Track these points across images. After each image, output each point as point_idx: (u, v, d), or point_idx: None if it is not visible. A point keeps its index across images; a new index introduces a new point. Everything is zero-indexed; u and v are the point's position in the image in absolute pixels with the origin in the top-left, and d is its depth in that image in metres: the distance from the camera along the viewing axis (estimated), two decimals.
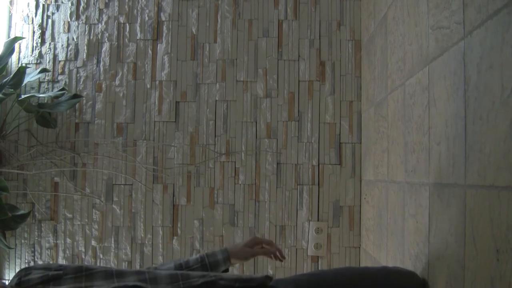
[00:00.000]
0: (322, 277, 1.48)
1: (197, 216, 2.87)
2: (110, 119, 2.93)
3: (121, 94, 2.93)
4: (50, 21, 3.01)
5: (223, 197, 2.86)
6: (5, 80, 2.62)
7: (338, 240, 2.82)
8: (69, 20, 2.99)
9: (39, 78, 2.92)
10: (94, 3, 2.99)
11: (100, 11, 2.98)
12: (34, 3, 3.01)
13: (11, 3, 3.01)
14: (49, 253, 2.90)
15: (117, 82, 2.94)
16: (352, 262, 2.81)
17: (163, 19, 2.96)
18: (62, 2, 3.00)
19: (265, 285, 1.38)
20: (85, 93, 2.95)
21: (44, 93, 2.90)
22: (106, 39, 2.97)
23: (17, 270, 2.63)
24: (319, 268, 2.81)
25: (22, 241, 2.91)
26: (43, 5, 3.01)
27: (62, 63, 2.97)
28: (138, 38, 2.96)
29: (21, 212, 2.68)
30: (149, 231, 2.88)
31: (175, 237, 2.87)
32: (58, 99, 2.81)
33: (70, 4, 2.99)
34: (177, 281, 1.28)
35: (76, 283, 1.20)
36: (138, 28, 2.96)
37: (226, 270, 1.68)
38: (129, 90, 2.94)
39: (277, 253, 1.72)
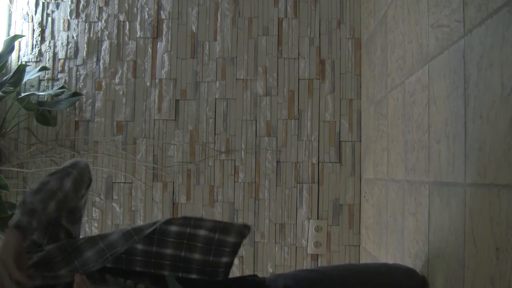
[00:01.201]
0: (322, 273, 1.49)
1: (197, 214, 2.86)
2: (110, 117, 2.93)
3: (121, 92, 2.93)
4: (50, 19, 3.00)
5: (223, 195, 2.86)
6: (5, 78, 2.61)
7: (338, 239, 2.82)
8: (69, 18, 2.99)
9: (39, 76, 2.91)
10: (94, 1, 2.99)
11: (100, 9, 2.98)
12: (34, 1, 3.00)
13: (11, 1, 3.01)
14: None
15: (117, 80, 2.94)
16: (352, 260, 2.81)
17: (163, 17, 2.96)
18: (62, 0, 3.00)
19: (243, 233, 1.39)
20: (85, 91, 2.94)
21: (44, 91, 2.90)
22: (106, 37, 2.97)
23: None
24: (319, 266, 2.82)
25: None
26: (43, 3, 3.01)
27: (62, 61, 2.97)
28: (138, 36, 2.96)
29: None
30: None
31: None
32: (58, 97, 2.81)
33: (70, 2, 2.99)
34: (131, 237, 1.27)
35: (67, 264, 1.21)
36: (138, 26, 2.96)
37: None
38: (129, 88, 2.93)
39: None
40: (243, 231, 1.40)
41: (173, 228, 1.33)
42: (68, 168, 1.31)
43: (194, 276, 1.38)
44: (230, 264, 1.42)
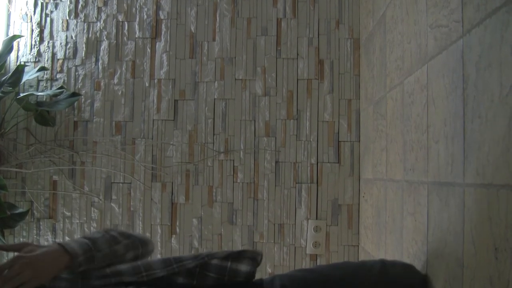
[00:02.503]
0: (318, 272, 1.48)
1: (196, 215, 2.87)
2: (108, 117, 2.93)
3: (119, 93, 2.93)
4: (48, 19, 3.00)
5: (221, 196, 2.86)
6: (3, 78, 2.61)
7: (337, 239, 2.82)
8: (67, 18, 2.99)
9: (37, 76, 2.91)
10: (92, 2, 2.98)
11: (99, 10, 2.98)
12: (33, 1, 3.00)
13: (9, 1, 3.01)
14: None
15: (115, 81, 2.94)
16: (351, 260, 2.81)
17: (162, 17, 2.96)
18: (60, 1, 3.00)
19: (255, 259, 1.40)
20: (83, 91, 2.94)
21: (42, 91, 2.90)
22: (104, 38, 2.96)
23: None
24: None
25: (21, 239, 2.91)
26: (42, 3, 3.00)
27: (60, 61, 2.97)
28: (136, 36, 2.95)
29: (20, 210, 2.68)
30: (147, 229, 2.87)
31: (174, 236, 2.86)
32: (56, 98, 2.81)
33: (68, 2, 2.99)
34: (170, 265, 1.30)
35: (73, 277, 1.23)
36: (137, 26, 2.96)
37: None
38: (127, 89, 2.93)
39: None
40: (255, 256, 1.40)
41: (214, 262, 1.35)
42: (139, 242, 1.39)
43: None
44: (250, 275, 1.41)
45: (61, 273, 1.20)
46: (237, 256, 1.38)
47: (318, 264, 2.83)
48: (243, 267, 1.38)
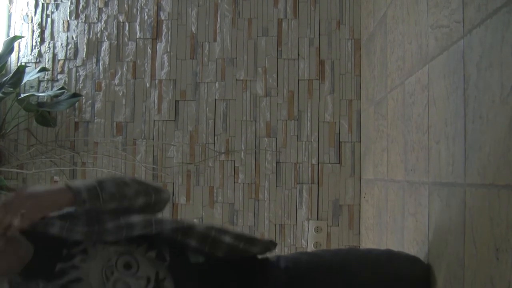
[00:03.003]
0: (322, 257, 1.48)
1: (197, 215, 2.87)
2: (109, 118, 2.93)
3: (120, 93, 2.93)
4: (49, 20, 3.00)
5: (222, 196, 2.86)
6: (4, 79, 2.61)
7: (338, 239, 2.82)
8: (68, 19, 2.99)
9: (38, 77, 2.91)
10: (93, 2, 2.99)
11: (100, 10, 2.98)
12: (34, 2, 3.00)
13: (10, 2, 3.01)
14: None
15: (116, 81, 2.94)
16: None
17: (163, 18, 2.96)
18: (61, 1, 3.00)
19: (269, 250, 1.40)
20: (84, 92, 2.94)
21: (43, 92, 2.90)
22: (105, 38, 2.97)
23: None
24: None
25: None
26: (43, 4, 3.01)
27: (61, 62, 2.97)
28: (137, 37, 2.96)
29: None
30: None
31: None
32: (57, 98, 2.81)
33: (69, 3, 2.99)
34: (181, 224, 1.30)
35: (89, 226, 1.22)
36: (137, 27, 2.96)
37: None
38: (128, 89, 2.93)
39: None
40: (269, 246, 1.41)
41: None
42: (152, 190, 1.36)
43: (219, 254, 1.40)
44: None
45: (63, 208, 1.21)
46: (250, 240, 1.39)
47: None
48: (255, 249, 1.39)
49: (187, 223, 1.31)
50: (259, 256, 1.45)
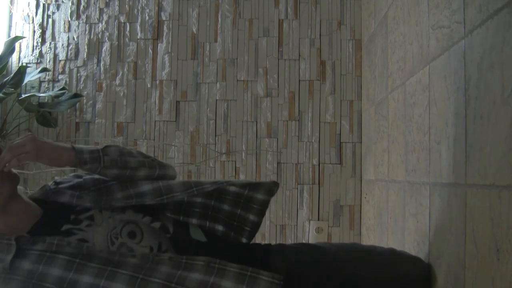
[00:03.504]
0: (325, 250, 1.48)
1: None
2: (110, 118, 2.93)
3: (121, 94, 2.93)
4: (50, 20, 3.01)
5: None
6: (5, 79, 2.62)
7: (339, 239, 2.82)
8: (69, 19, 2.99)
9: (39, 77, 2.92)
10: (94, 3, 2.99)
11: (101, 11, 2.98)
12: (35, 2, 3.01)
13: (11, 2, 3.02)
14: None
15: (117, 82, 2.94)
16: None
17: (164, 18, 2.96)
18: (62, 2, 3.00)
19: (272, 191, 1.45)
20: (85, 92, 2.94)
21: (44, 92, 2.90)
22: (106, 39, 2.97)
23: None
24: None
25: None
26: (44, 4, 3.01)
27: (62, 62, 2.97)
28: (138, 37, 2.96)
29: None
30: None
31: None
32: (58, 99, 2.81)
33: (70, 4, 2.99)
34: (190, 188, 1.33)
35: (98, 195, 1.28)
36: (138, 27, 2.96)
37: None
38: (129, 90, 2.94)
39: None
40: (272, 188, 1.46)
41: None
42: (158, 164, 1.39)
43: (220, 227, 1.46)
44: (256, 225, 1.48)
45: (64, 165, 1.26)
46: (255, 185, 1.44)
47: None
48: (259, 195, 1.44)
49: (195, 183, 1.34)
50: (263, 243, 1.49)
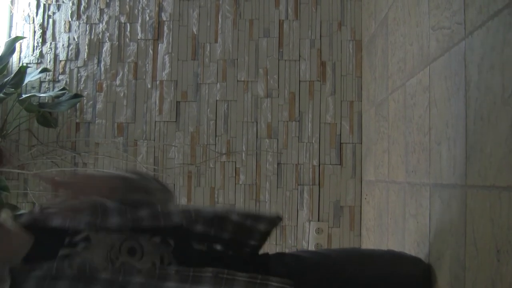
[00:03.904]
0: (325, 255, 1.48)
1: None
2: (110, 118, 2.93)
3: (121, 94, 2.93)
4: (51, 20, 3.01)
5: (223, 197, 2.86)
6: (6, 79, 2.62)
7: (339, 240, 2.82)
8: (70, 19, 3.00)
9: (40, 77, 2.92)
10: (95, 3, 2.99)
11: (101, 11, 2.99)
12: (35, 2, 3.01)
13: (12, 2, 3.02)
14: None
15: (117, 82, 2.94)
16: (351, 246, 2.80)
17: (164, 19, 2.96)
18: (63, 2, 3.01)
19: (275, 223, 1.40)
20: (85, 92, 2.95)
21: (45, 92, 2.90)
22: (107, 39, 2.97)
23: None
24: None
25: None
26: (44, 4, 3.01)
27: (63, 62, 2.97)
28: (139, 38, 2.96)
29: (22, 211, 2.68)
30: None
31: None
32: (58, 99, 2.81)
33: (71, 4, 3.00)
34: (189, 214, 1.29)
35: (92, 219, 1.22)
36: (139, 28, 2.96)
37: None
38: (129, 90, 2.94)
39: None
40: (276, 221, 1.42)
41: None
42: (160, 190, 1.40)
43: (219, 247, 1.40)
44: (257, 248, 1.43)
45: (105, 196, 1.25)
46: (257, 217, 1.39)
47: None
48: (262, 226, 1.38)
49: (194, 211, 1.31)
50: (260, 252, 1.45)
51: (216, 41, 2.93)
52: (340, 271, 1.41)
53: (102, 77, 2.95)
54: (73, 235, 1.19)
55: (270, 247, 2.80)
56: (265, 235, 1.40)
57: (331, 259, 1.45)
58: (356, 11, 2.90)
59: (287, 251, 2.80)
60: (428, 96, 1.56)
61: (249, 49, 2.92)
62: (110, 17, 2.98)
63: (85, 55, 2.97)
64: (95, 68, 2.96)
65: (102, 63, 2.96)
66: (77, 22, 2.99)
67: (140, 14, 2.97)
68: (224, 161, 2.88)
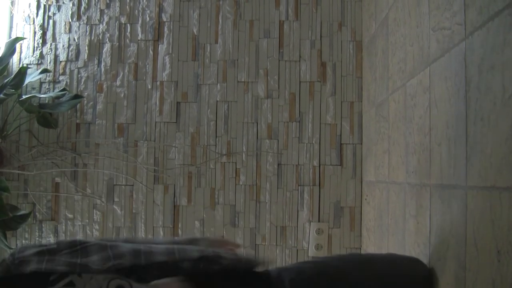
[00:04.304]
0: (326, 264, 1.48)
1: (198, 217, 2.87)
2: (111, 119, 2.93)
3: (122, 95, 2.93)
4: (51, 21, 3.01)
5: (224, 198, 2.86)
6: (6, 80, 2.62)
7: (339, 241, 2.82)
8: (70, 20, 3.00)
9: (40, 78, 2.92)
10: (95, 4, 2.99)
11: (101, 12, 2.99)
12: (36, 3, 3.01)
13: (12, 3, 3.02)
14: None
15: (118, 83, 2.94)
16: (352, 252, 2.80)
17: (164, 19, 2.96)
18: (63, 3, 3.01)
19: (262, 272, 1.37)
20: (86, 93, 2.95)
21: (45, 93, 2.91)
22: (107, 40, 2.97)
23: None
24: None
25: (23, 241, 2.91)
26: (44, 5, 3.01)
27: (63, 63, 2.97)
28: (139, 38, 2.96)
29: (22, 212, 2.68)
30: (150, 231, 2.87)
31: (176, 238, 2.86)
32: (59, 100, 2.81)
33: (71, 5, 3.00)
34: (173, 254, 1.23)
35: (72, 258, 1.14)
36: (139, 28, 2.96)
37: None
38: (130, 91, 2.94)
39: None
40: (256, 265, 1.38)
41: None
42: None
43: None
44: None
45: None
46: (248, 261, 1.36)
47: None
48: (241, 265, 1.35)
49: (179, 253, 1.24)
50: (260, 270, 1.42)
51: (216, 42, 2.93)
52: (342, 278, 1.41)
53: (103, 78, 2.95)
54: (55, 281, 1.09)
55: (270, 248, 2.81)
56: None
57: (331, 268, 1.45)
58: (357, 11, 2.90)
59: (287, 251, 2.80)
60: (428, 97, 1.56)
61: (250, 49, 2.92)
62: (110, 18, 2.98)
63: (86, 55, 2.97)
64: (95, 68, 2.96)
65: (103, 63, 2.96)
66: (78, 23, 2.99)
67: (140, 14, 2.97)
68: (224, 162, 2.88)
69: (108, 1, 2.98)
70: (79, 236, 2.89)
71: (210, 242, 1.46)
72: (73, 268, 1.10)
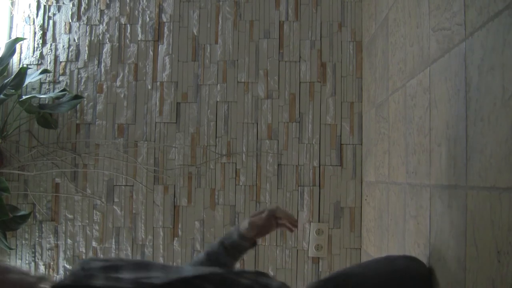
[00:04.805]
0: (326, 279, 1.48)
1: (198, 217, 2.86)
2: (111, 120, 2.93)
3: (122, 95, 2.93)
4: (51, 22, 3.01)
5: (224, 198, 2.86)
6: (6, 81, 2.62)
7: (339, 241, 2.82)
8: (70, 21, 3.00)
9: (40, 79, 2.92)
10: (95, 4, 2.99)
11: (101, 12, 2.99)
12: (36, 4, 3.01)
13: (12, 4, 3.02)
14: (49, 254, 2.90)
15: (118, 83, 2.94)
16: (353, 263, 2.81)
17: (164, 20, 2.96)
18: (63, 3, 3.01)
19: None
20: (86, 94, 2.95)
21: (45, 94, 2.91)
22: (107, 40, 2.97)
23: None
24: (320, 269, 2.81)
25: (23, 241, 2.91)
26: (44, 6, 3.01)
27: (63, 64, 2.97)
28: (139, 39, 2.96)
29: (22, 212, 2.68)
30: (150, 232, 2.88)
31: (176, 238, 2.86)
32: (59, 100, 2.82)
33: (71, 5, 3.00)
34: (203, 274, 1.24)
35: (137, 273, 1.18)
36: (139, 29, 2.96)
37: (254, 245, 1.71)
38: (130, 91, 2.94)
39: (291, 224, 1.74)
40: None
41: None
42: None
43: None
44: None
45: None
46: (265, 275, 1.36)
47: (320, 267, 2.82)
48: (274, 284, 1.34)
49: (181, 279, 1.22)
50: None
51: (216, 42, 2.93)
52: (344, 285, 1.42)
53: (103, 78, 2.95)
54: None
55: (270, 248, 2.81)
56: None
57: (331, 279, 1.46)
58: (357, 12, 2.90)
59: (287, 252, 2.80)
60: (428, 97, 1.56)
61: (250, 50, 2.92)
62: (110, 18, 2.98)
63: (86, 56, 2.97)
64: (95, 69, 2.96)
65: (103, 64, 2.96)
66: (78, 23, 3.00)
67: (140, 15, 2.97)
68: (224, 162, 2.88)
69: (108, 2, 2.98)
70: (80, 236, 2.89)
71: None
72: (140, 284, 1.13)
